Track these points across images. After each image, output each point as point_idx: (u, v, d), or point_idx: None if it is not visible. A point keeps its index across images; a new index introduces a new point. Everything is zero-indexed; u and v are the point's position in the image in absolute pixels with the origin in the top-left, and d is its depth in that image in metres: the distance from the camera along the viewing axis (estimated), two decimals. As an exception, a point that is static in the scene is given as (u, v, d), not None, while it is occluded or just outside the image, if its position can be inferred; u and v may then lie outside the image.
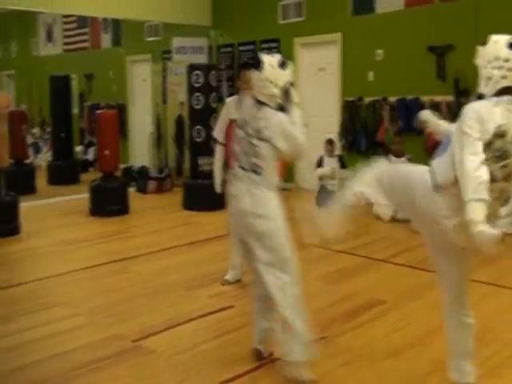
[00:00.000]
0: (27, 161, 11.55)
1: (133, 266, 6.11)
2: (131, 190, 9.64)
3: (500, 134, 2.74)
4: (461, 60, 8.02)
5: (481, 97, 2.87)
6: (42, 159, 13.79)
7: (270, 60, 3.51)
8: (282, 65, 3.50)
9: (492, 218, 2.91)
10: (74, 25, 15.09)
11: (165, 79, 12.05)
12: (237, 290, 5.24)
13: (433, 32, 8.61)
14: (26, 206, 8.18)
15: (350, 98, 9.73)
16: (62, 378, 3.70)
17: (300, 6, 10.38)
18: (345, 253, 6.43)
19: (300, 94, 10.85)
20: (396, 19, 9.10)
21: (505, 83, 2.81)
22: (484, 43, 2.88)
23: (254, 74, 3.55)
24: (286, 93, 3.52)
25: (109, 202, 8.53)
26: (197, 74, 9.13)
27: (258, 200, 3.49)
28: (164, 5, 11.19)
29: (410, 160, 7.42)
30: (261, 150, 3.46)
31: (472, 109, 2.80)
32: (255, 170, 3.49)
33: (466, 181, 2.69)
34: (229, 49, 11.71)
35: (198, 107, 9.10)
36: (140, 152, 13.32)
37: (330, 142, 9.03)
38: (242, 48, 11.47)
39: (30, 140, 13.99)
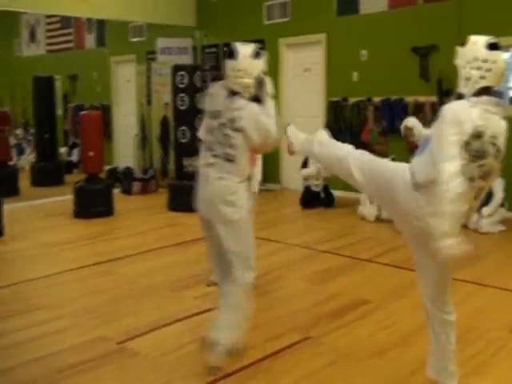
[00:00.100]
0: (10, 162, 11.44)
1: (118, 267, 6.09)
2: (116, 192, 9.60)
3: (477, 135, 2.78)
4: (444, 61, 8.06)
5: (460, 97, 2.91)
6: (26, 161, 13.70)
7: (244, 50, 3.52)
8: (257, 55, 3.52)
9: (470, 214, 2.96)
10: (58, 25, 15.00)
11: (149, 80, 12.02)
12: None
13: (416, 33, 8.67)
14: (9, 208, 8.12)
15: (335, 99, 9.76)
16: (47, 381, 3.68)
17: (285, 6, 10.39)
18: (329, 253, 6.45)
19: (285, 95, 10.82)
20: (380, 20, 9.15)
21: (483, 83, 2.85)
22: (463, 44, 2.92)
23: (228, 64, 3.55)
24: (259, 83, 3.54)
25: (93, 204, 8.49)
26: (181, 75, 9.11)
27: (228, 187, 3.52)
28: (148, 5, 11.16)
29: (394, 160, 7.44)
30: (235, 140, 3.48)
31: (450, 109, 2.83)
32: (228, 158, 3.51)
33: (442, 189, 2.72)
34: (213, 49, 11.70)
35: (182, 108, 9.08)
36: (125, 153, 13.29)
37: (315, 142, 9.05)
38: (227, 48, 11.45)
39: (13, 141, 13.90)
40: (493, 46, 2.85)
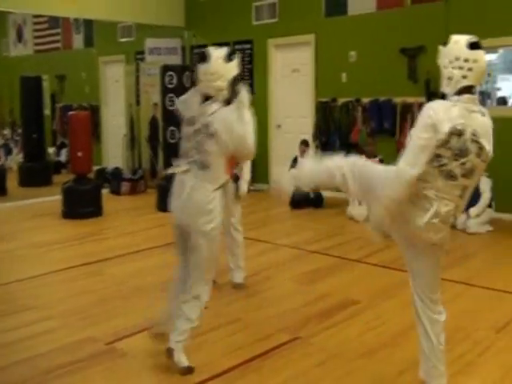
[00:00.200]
0: (-3, 162, 11.42)
1: (107, 268, 6.07)
2: (104, 192, 9.58)
3: (457, 133, 2.82)
4: (432, 62, 8.00)
5: (443, 96, 2.96)
6: (13, 161, 13.62)
7: (217, 53, 3.54)
8: (229, 58, 3.53)
9: (456, 214, 2.98)
10: (45, 25, 14.95)
11: (138, 80, 11.99)
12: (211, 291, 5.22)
13: (404, 34, 8.71)
14: (-4, 208, 8.08)
15: (324, 99, 9.78)
16: (36, 381, 3.67)
17: (273, 7, 10.40)
18: (318, 253, 6.46)
19: (274, 95, 10.79)
20: (368, 21, 9.18)
21: (465, 83, 2.89)
22: (445, 43, 2.96)
23: (201, 68, 3.55)
24: (233, 86, 3.56)
25: (82, 204, 8.46)
26: (170, 75, 9.11)
27: (203, 195, 3.52)
28: (136, 5, 11.13)
29: (383, 161, 7.48)
30: (209, 146, 3.48)
31: (430, 108, 2.88)
32: (203, 165, 3.51)
33: (393, 182, 2.88)
34: (202, 50, 11.66)
35: (171, 108, 9.06)
36: (113, 153, 13.26)
37: (304, 143, 9.08)
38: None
39: (0, 141, 13.83)
40: (474, 46, 2.88)
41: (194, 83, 3.61)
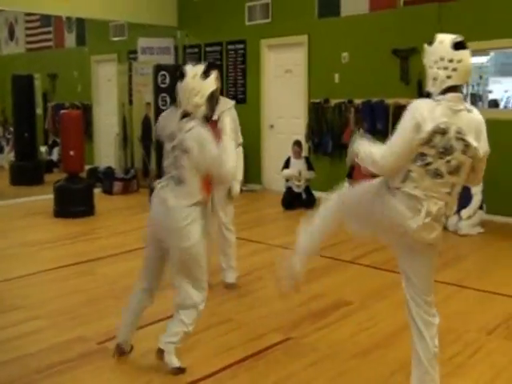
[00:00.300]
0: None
1: (98, 267, 6.05)
2: (97, 191, 9.54)
3: (440, 131, 2.85)
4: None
5: (428, 95, 2.98)
6: (5, 159, 13.57)
7: (194, 71, 3.60)
8: (206, 74, 3.59)
9: (447, 212, 2.98)
10: (37, 23, 14.89)
11: (130, 79, 11.97)
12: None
13: (397, 35, 8.72)
14: (-12, 206, 8.04)
15: (317, 100, 9.79)
16: (25, 381, 3.65)
17: (266, 7, 10.40)
18: (311, 254, 6.45)
19: (266, 96, 10.77)
20: (361, 22, 9.19)
21: (450, 83, 2.90)
22: (431, 42, 2.97)
23: (179, 86, 3.63)
24: (211, 101, 3.63)
25: (74, 203, 8.43)
26: (163, 75, 9.10)
27: (179, 211, 3.53)
28: (129, 4, 11.10)
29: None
30: (183, 161, 3.53)
31: (414, 107, 2.92)
32: (178, 180, 3.56)
33: (369, 160, 3.02)
34: (195, 49, 11.68)
35: (164, 108, 9.05)
36: (106, 153, 13.23)
37: (297, 143, 9.10)
38: (208, 49, 11.46)
39: (-9, 140, 13.78)
40: (458, 46, 2.89)
41: (174, 101, 3.65)
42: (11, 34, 15.78)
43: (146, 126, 11.07)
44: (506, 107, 9.58)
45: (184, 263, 3.63)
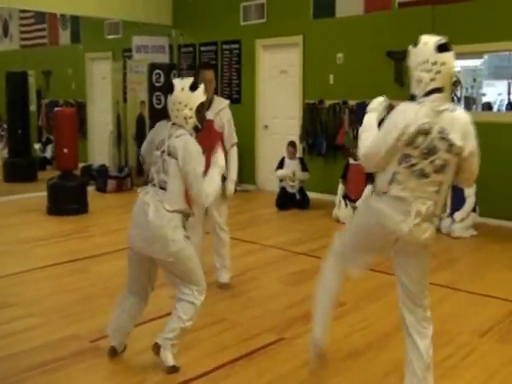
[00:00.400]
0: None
1: (92, 265, 6.05)
2: (90, 189, 9.54)
3: (423, 132, 2.88)
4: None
5: (413, 97, 3.01)
6: (-2, 156, 13.52)
7: (182, 83, 3.67)
8: (193, 87, 3.65)
9: (437, 211, 2.99)
10: (32, 20, 14.83)
11: (125, 77, 11.95)
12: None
13: (391, 37, 8.72)
14: (-20, 203, 8.01)
15: (311, 101, 9.80)
16: (17, 379, 3.64)
17: (261, 8, 10.40)
18: (305, 254, 6.47)
19: (261, 96, 10.76)
20: (356, 24, 9.21)
21: (434, 85, 2.93)
22: (415, 44, 2.99)
23: (169, 99, 3.70)
24: (200, 113, 3.69)
25: (67, 201, 8.41)
26: (158, 73, 9.10)
27: (162, 215, 3.55)
28: (124, 3, 11.09)
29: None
30: (168, 165, 3.57)
31: (398, 111, 2.97)
32: (162, 186, 3.60)
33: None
34: (190, 49, 11.68)
35: (158, 107, 9.07)
36: (100, 151, 13.20)
37: (292, 144, 9.11)
38: (203, 48, 11.46)
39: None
40: (442, 48, 2.91)
41: (167, 114, 3.77)
42: (5, 31, 15.72)
43: (141, 124, 11.06)
44: (499, 110, 9.63)
45: (176, 269, 3.65)
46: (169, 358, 3.67)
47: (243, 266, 5.91)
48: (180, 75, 10.48)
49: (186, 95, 3.62)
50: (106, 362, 3.85)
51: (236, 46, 10.86)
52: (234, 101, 10.30)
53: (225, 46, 11.06)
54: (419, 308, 3.15)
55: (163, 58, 11.49)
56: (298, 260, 6.32)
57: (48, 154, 13.32)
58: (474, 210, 7.39)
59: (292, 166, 8.96)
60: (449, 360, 3.91)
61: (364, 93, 9.06)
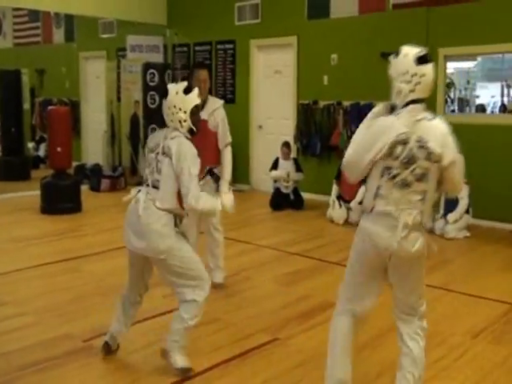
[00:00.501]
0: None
1: (85, 264, 6.04)
2: (84, 188, 9.52)
3: (401, 142, 2.90)
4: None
5: (393, 108, 3.03)
6: (-10, 155, 13.45)
7: (175, 87, 3.71)
8: (187, 90, 3.69)
9: (424, 220, 2.99)
10: (25, 18, 14.77)
11: (119, 77, 11.93)
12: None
13: (385, 38, 8.73)
14: (-27, 202, 7.99)
15: (305, 102, 9.80)
16: (9, 378, 3.63)
17: (256, 8, 10.40)
18: (299, 255, 6.48)
19: (255, 96, 10.75)
20: (350, 25, 9.22)
21: (413, 96, 2.95)
22: (397, 54, 3.01)
23: (164, 103, 3.74)
24: (194, 115, 3.71)
25: (61, 200, 8.40)
26: (152, 73, 9.09)
27: (153, 213, 3.57)
28: (119, 2, 11.07)
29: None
30: (162, 165, 3.60)
31: (376, 126, 3.02)
32: (155, 185, 3.63)
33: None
34: (184, 48, 11.67)
35: (153, 106, 9.06)
36: (93, 150, 13.17)
37: (286, 144, 9.11)
38: (197, 48, 11.45)
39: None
40: (422, 60, 2.92)
41: (161, 116, 3.81)
42: (-1, 29, 15.68)
43: (135, 123, 11.05)
44: (492, 112, 9.67)
45: (171, 267, 3.62)
46: (178, 361, 3.65)
47: (237, 266, 5.92)
48: (174, 75, 10.49)
49: (180, 98, 3.65)
50: (99, 362, 3.84)
51: (230, 46, 10.86)
52: (228, 101, 10.30)
53: (219, 46, 11.06)
54: (414, 317, 3.16)
55: (157, 58, 11.47)
56: (292, 260, 6.33)
57: (41, 152, 13.29)
58: (467, 211, 7.41)
59: (286, 167, 8.97)
60: (442, 361, 3.92)
61: (358, 94, 9.09)
